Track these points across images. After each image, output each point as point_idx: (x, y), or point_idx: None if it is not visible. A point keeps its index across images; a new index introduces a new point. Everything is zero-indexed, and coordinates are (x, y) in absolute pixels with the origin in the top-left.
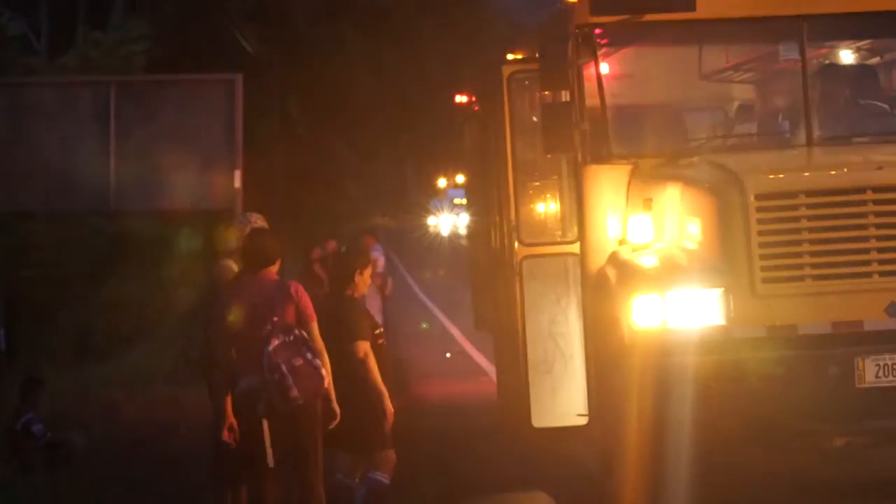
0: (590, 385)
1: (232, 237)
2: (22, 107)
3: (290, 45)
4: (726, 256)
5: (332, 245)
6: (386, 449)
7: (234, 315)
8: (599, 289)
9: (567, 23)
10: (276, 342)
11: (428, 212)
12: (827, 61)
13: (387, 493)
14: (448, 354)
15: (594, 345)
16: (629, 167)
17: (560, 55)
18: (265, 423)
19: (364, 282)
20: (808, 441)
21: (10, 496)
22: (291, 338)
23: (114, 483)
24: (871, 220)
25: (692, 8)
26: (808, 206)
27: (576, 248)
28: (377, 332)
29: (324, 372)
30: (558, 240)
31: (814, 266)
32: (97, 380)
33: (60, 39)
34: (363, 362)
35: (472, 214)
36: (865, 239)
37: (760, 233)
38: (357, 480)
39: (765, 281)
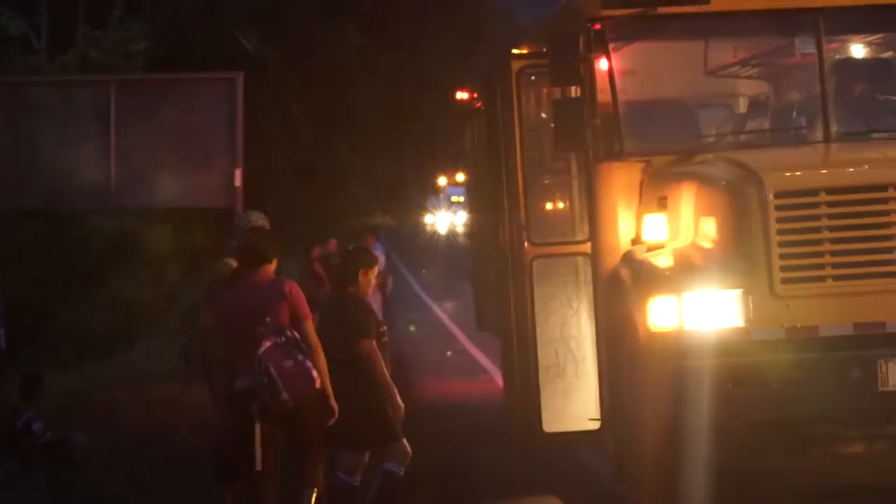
0: (602, 389)
1: (232, 236)
2: (22, 106)
3: (290, 45)
4: (744, 256)
5: (332, 244)
6: (398, 440)
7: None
8: (613, 290)
9: (578, 17)
10: (267, 344)
11: (425, 210)
12: (843, 55)
13: (401, 484)
14: (449, 353)
15: (607, 347)
16: (642, 165)
17: (571, 50)
18: (257, 426)
19: (368, 281)
20: (829, 446)
21: (11, 495)
22: (283, 339)
23: (114, 482)
24: (894, 217)
25: (705, 0)
26: (829, 204)
27: (587, 247)
28: (381, 329)
29: (315, 373)
30: (569, 239)
31: (835, 266)
32: (97, 379)
33: (60, 39)
34: (369, 360)
35: (474, 213)
36: (888, 238)
37: (780, 232)
38: (358, 479)
39: (784, 281)
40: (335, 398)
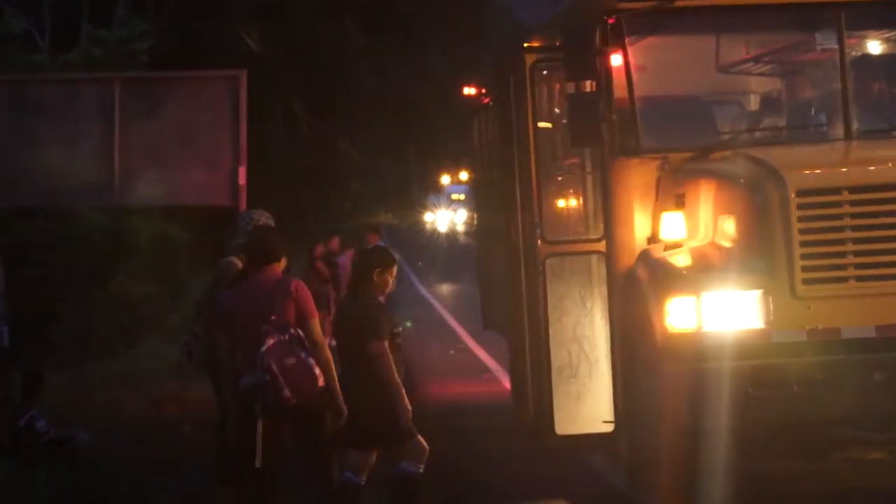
0: (616, 391)
1: (234, 234)
2: (26, 104)
3: (294, 43)
4: (765, 256)
5: (335, 242)
6: (411, 437)
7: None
8: (629, 289)
9: (593, 10)
10: (270, 342)
11: (426, 208)
12: (864, 51)
13: (418, 482)
14: (452, 351)
15: (623, 349)
16: (659, 161)
17: (586, 44)
18: (259, 423)
19: (385, 282)
20: (850, 451)
21: (13, 492)
22: (286, 337)
23: (117, 480)
24: None
25: None
26: (852, 203)
27: (602, 246)
28: (396, 331)
29: (317, 371)
30: (583, 237)
31: (857, 266)
32: (100, 376)
33: (64, 37)
34: (380, 361)
35: (481, 211)
36: None
37: (801, 231)
38: (364, 478)
39: (805, 282)
40: (345, 397)
